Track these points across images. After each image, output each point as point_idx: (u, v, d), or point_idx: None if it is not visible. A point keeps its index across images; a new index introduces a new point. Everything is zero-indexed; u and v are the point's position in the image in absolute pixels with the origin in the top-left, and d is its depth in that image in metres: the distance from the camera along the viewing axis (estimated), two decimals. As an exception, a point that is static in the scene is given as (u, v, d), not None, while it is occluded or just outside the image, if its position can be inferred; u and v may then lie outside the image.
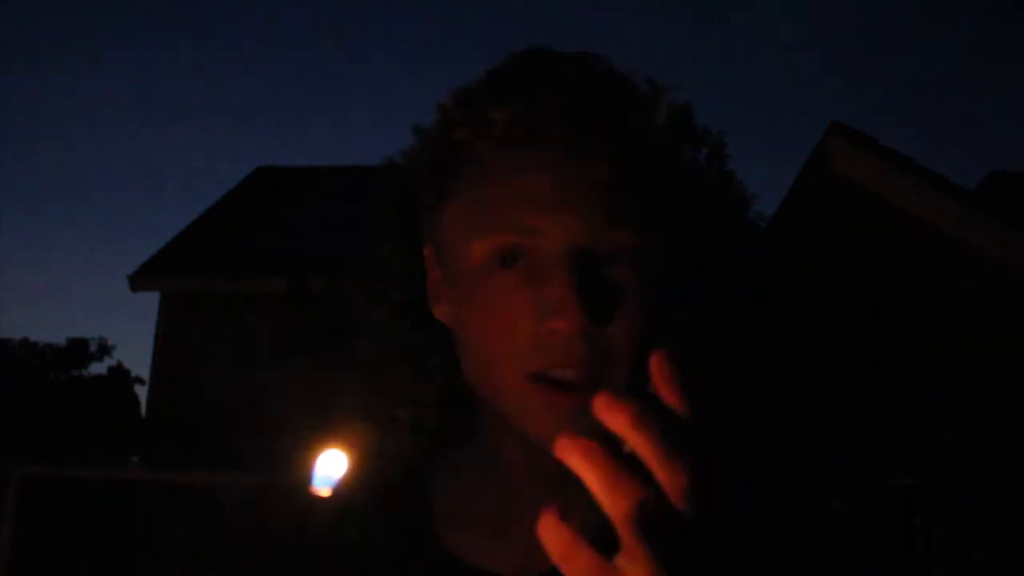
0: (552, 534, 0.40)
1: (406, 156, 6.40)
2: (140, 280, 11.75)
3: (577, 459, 0.40)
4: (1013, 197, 7.61)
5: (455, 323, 0.68)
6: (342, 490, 0.77)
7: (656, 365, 0.41)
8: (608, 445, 0.40)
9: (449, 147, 0.67)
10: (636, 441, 0.40)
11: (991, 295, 6.42)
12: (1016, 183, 8.37)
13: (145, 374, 12.73)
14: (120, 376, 14.55)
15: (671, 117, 7.04)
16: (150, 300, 11.84)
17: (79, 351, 14.35)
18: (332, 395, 6.65)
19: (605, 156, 0.64)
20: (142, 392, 13.56)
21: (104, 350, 14.53)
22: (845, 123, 7.75)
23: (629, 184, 0.64)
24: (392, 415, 5.79)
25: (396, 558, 0.69)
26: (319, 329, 8.37)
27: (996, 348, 6.14)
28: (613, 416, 0.40)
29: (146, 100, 36.15)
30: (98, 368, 14.53)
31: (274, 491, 6.07)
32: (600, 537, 0.40)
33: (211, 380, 11.02)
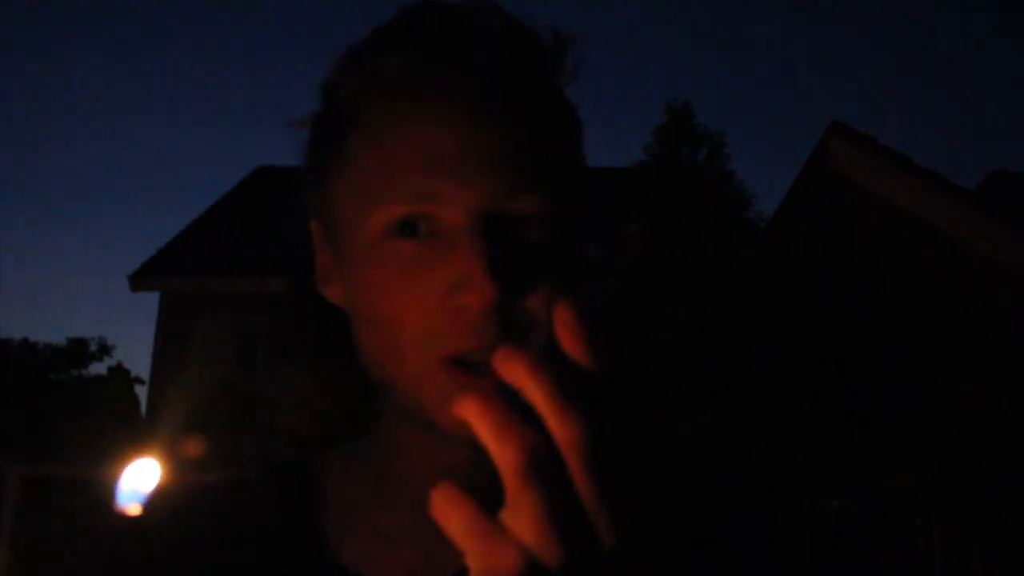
0: (437, 495, 0.37)
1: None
2: (140, 280, 11.75)
3: (473, 411, 0.36)
4: (1013, 197, 7.62)
5: (349, 305, 0.61)
6: (174, 501, 0.68)
7: (560, 313, 0.37)
8: (509, 399, 0.37)
9: (334, 108, 0.60)
10: (530, 389, 0.36)
11: (991, 295, 6.41)
12: (1016, 183, 8.38)
13: (145, 374, 12.73)
14: (120, 376, 14.55)
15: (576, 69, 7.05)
16: (150, 300, 11.86)
17: (79, 351, 14.35)
18: (332, 395, 6.65)
19: (508, 110, 0.57)
20: (142, 392, 13.56)
21: (104, 350, 14.54)
22: (845, 123, 7.76)
23: (535, 141, 0.57)
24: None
25: (273, 564, 0.62)
26: (319, 329, 8.37)
27: (996, 348, 6.14)
28: (510, 366, 0.37)
29: (147, 100, 36.20)
30: (98, 368, 14.54)
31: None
32: (489, 498, 0.37)
33: (211, 380, 11.02)
